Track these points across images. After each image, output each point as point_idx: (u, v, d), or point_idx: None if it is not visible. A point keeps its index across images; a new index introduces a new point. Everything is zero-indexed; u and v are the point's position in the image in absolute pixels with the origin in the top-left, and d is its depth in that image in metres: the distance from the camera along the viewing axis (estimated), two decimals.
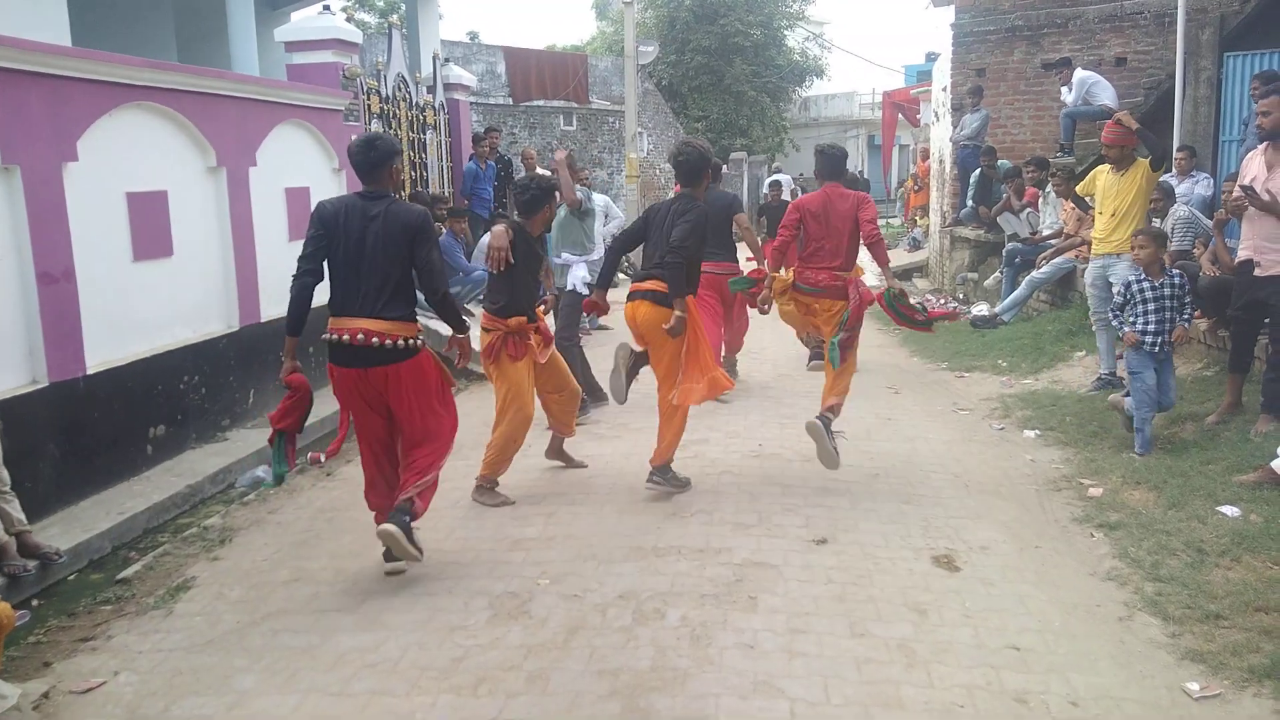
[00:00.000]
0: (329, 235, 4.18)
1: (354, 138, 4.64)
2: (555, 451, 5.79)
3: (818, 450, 5.28)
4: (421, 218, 4.22)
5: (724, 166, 9.79)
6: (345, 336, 4.12)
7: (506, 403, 5.19)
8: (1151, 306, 5.63)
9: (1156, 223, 7.48)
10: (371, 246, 4.13)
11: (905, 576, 4.15)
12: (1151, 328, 5.61)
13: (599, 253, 7.39)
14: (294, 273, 4.22)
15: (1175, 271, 5.78)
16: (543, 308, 5.56)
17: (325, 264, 4.22)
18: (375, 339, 4.09)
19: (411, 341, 4.16)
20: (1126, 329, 5.71)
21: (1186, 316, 5.69)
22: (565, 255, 7.42)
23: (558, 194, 5.82)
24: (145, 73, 5.93)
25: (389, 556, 4.24)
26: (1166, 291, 5.64)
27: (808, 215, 5.53)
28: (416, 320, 4.25)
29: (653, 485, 5.24)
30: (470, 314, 9.56)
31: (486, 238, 9.58)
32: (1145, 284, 5.67)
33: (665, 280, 5.01)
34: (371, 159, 4.22)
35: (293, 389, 4.31)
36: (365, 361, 4.12)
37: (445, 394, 4.38)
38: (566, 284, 7.28)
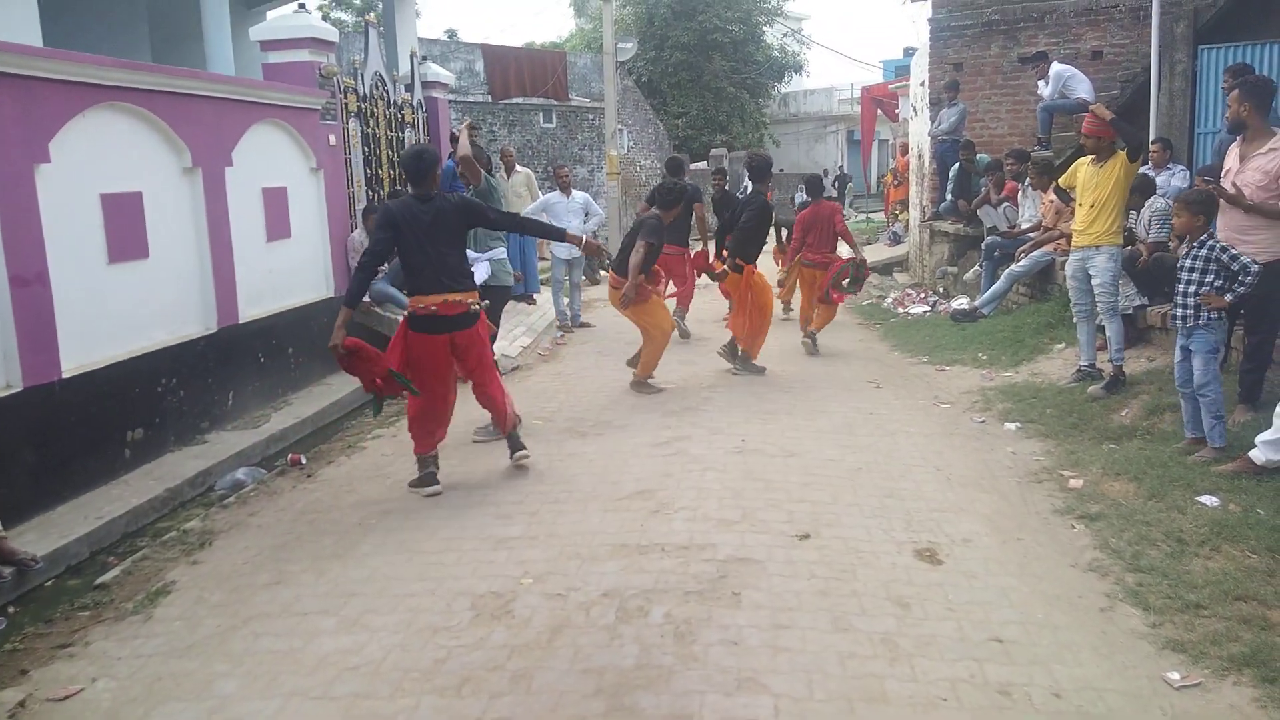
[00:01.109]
0: (398, 233, 5.15)
1: (406, 149, 6.14)
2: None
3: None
4: (465, 201, 5.48)
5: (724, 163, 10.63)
6: (435, 308, 5.19)
7: (652, 327, 7.43)
8: (1182, 277, 5.31)
9: (1134, 215, 7.54)
10: (436, 237, 5.18)
11: (888, 570, 4.16)
12: (1178, 300, 5.32)
13: (502, 251, 7.59)
14: (360, 261, 5.21)
15: (1206, 239, 5.24)
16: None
17: (383, 256, 5.30)
18: (463, 307, 5.24)
19: (479, 305, 5.38)
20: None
21: (1216, 285, 5.13)
22: (470, 252, 7.02)
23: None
24: (118, 73, 5.86)
25: (515, 446, 5.65)
26: (1187, 264, 5.28)
27: (808, 223, 9.16)
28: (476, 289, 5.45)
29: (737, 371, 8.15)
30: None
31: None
32: (1184, 257, 5.34)
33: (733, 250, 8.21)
34: (421, 167, 5.23)
35: (355, 349, 5.15)
36: (453, 326, 5.26)
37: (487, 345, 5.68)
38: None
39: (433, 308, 5.18)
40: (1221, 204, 5.43)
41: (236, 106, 7.21)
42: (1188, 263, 5.27)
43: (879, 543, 4.46)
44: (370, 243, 5.28)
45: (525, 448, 5.69)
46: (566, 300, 10.95)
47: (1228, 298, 5.12)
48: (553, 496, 5.25)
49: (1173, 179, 8.23)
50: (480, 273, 7.14)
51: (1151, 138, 8.97)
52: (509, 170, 12.11)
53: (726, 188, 11.68)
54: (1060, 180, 7.46)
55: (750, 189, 9.18)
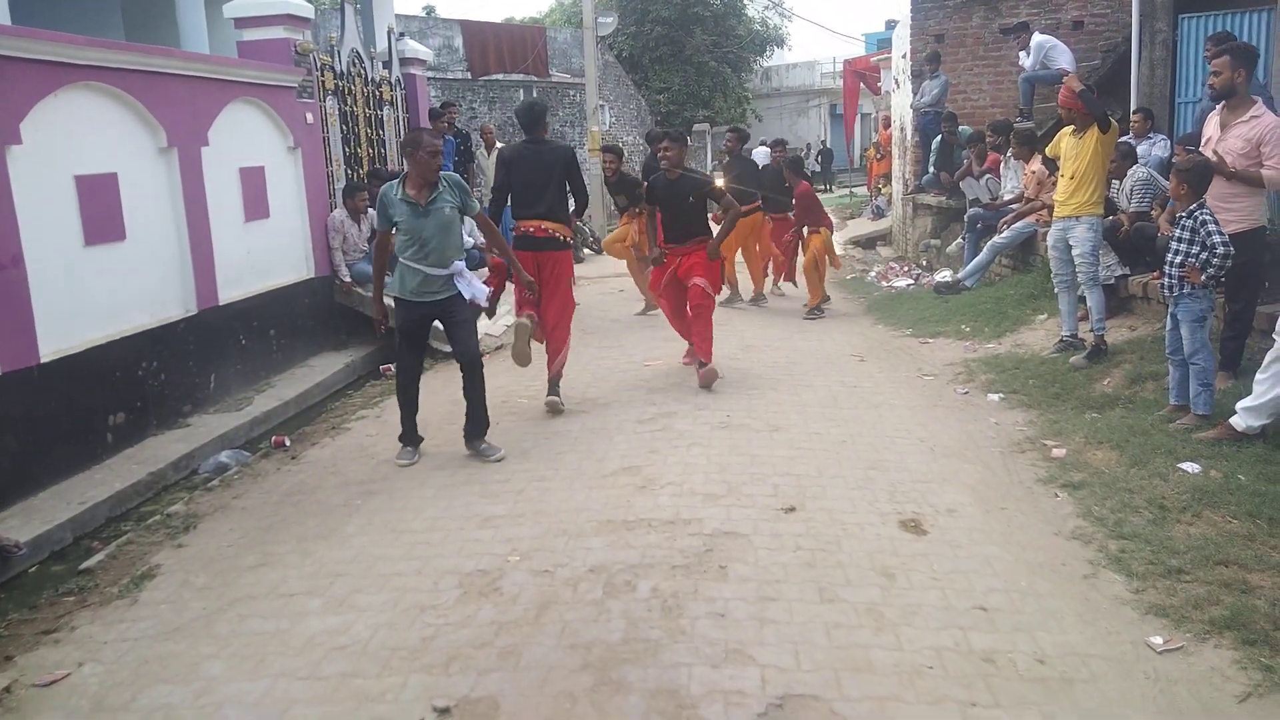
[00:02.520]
0: (510, 170, 6.29)
1: (520, 102, 7.31)
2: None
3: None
4: (568, 152, 6.39)
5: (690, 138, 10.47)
6: (530, 229, 6.23)
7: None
8: (1171, 245, 5.28)
9: (1115, 185, 7.56)
10: (541, 174, 6.23)
11: (873, 541, 4.18)
12: (1166, 269, 5.31)
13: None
14: (491, 196, 6.52)
15: (1195, 209, 5.16)
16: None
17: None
18: (546, 232, 6.22)
19: (566, 238, 6.35)
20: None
21: (1201, 257, 5.07)
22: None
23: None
24: (90, 52, 5.77)
25: (552, 390, 6.49)
26: (1176, 233, 5.26)
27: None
28: (569, 225, 6.43)
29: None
30: None
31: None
32: (1176, 225, 5.30)
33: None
34: (532, 117, 6.32)
35: (495, 269, 6.70)
36: (538, 247, 6.23)
37: (570, 290, 6.55)
38: None
39: (527, 229, 6.23)
40: None
41: (212, 85, 7.12)
42: (1177, 232, 5.27)
43: (864, 514, 4.48)
44: (494, 180, 6.49)
45: (559, 397, 6.46)
46: None
47: (1205, 274, 5.09)
48: (539, 474, 5.24)
49: (1154, 148, 8.24)
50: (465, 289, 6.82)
51: (1133, 107, 8.98)
52: (489, 148, 12.02)
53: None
54: (1047, 150, 7.47)
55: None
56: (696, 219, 7.03)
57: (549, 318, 6.36)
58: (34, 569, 4.56)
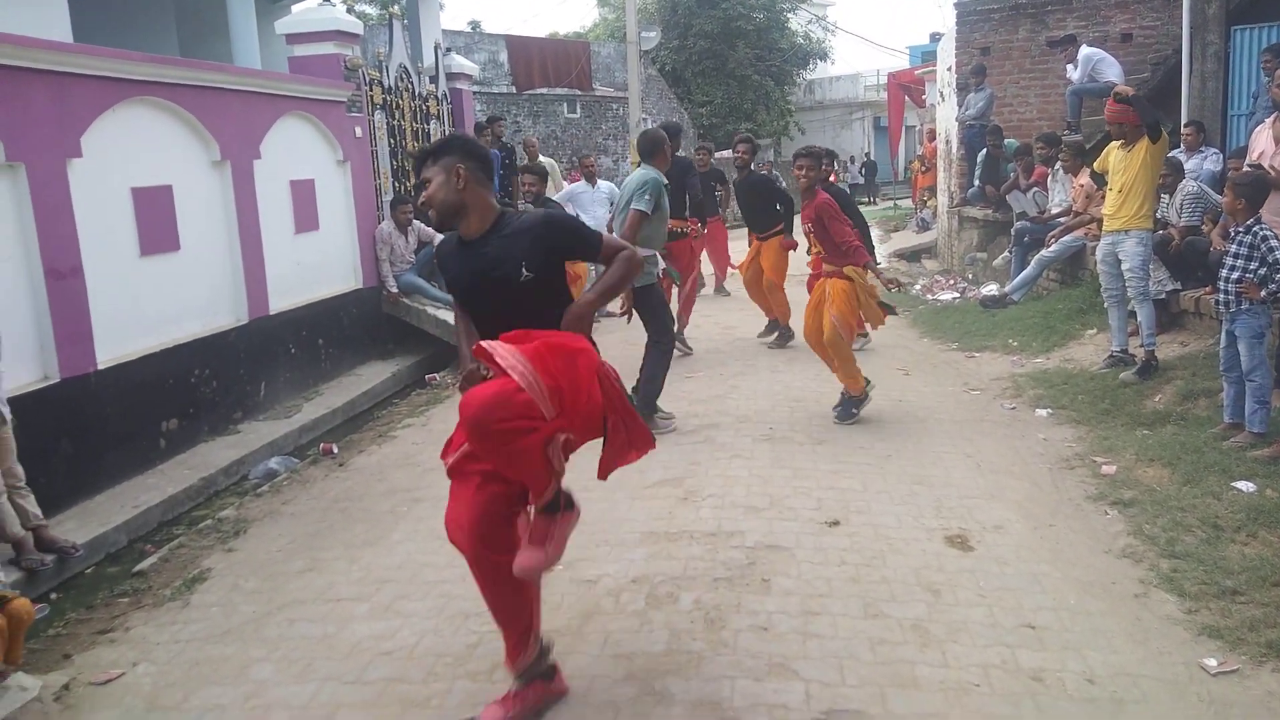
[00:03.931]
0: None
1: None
2: None
3: None
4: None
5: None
6: (682, 229, 8.00)
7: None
8: (1226, 261, 5.22)
9: (1165, 199, 7.44)
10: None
11: (919, 557, 4.14)
12: (1220, 284, 5.23)
13: None
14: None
15: (1253, 224, 5.10)
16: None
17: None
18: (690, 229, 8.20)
19: (694, 231, 8.40)
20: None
21: (1260, 272, 4.99)
22: None
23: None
24: (147, 67, 5.92)
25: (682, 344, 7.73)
26: (1232, 249, 5.19)
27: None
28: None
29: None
30: None
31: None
32: (1230, 241, 5.23)
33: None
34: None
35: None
36: (673, 238, 7.53)
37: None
38: None
39: (681, 229, 8.07)
40: None
41: (263, 100, 7.27)
42: (1233, 247, 5.18)
43: (909, 529, 4.44)
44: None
45: (690, 350, 8.44)
46: None
47: (1264, 291, 5.00)
48: (581, 484, 5.22)
49: (1205, 162, 8.10)
50: None
51: (1183, 121, 8.83)
52: (532, 161, 12.11)
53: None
54: (1095, 165, 7.38)
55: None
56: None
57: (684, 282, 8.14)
58: (90, 570, 4.67)
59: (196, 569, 4.47)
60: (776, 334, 8.92)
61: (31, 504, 4.43)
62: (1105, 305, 7.08)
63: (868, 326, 6.93)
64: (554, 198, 10.86)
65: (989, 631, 3.49)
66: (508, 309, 2.98)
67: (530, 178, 8.31)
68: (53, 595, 4.37)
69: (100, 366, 5.44)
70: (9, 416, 4.31)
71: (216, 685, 3.40)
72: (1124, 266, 6.61)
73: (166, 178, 6.16)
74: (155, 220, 6.02)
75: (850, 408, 6.21)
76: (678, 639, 3.51)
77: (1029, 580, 3.89)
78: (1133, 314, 6.84)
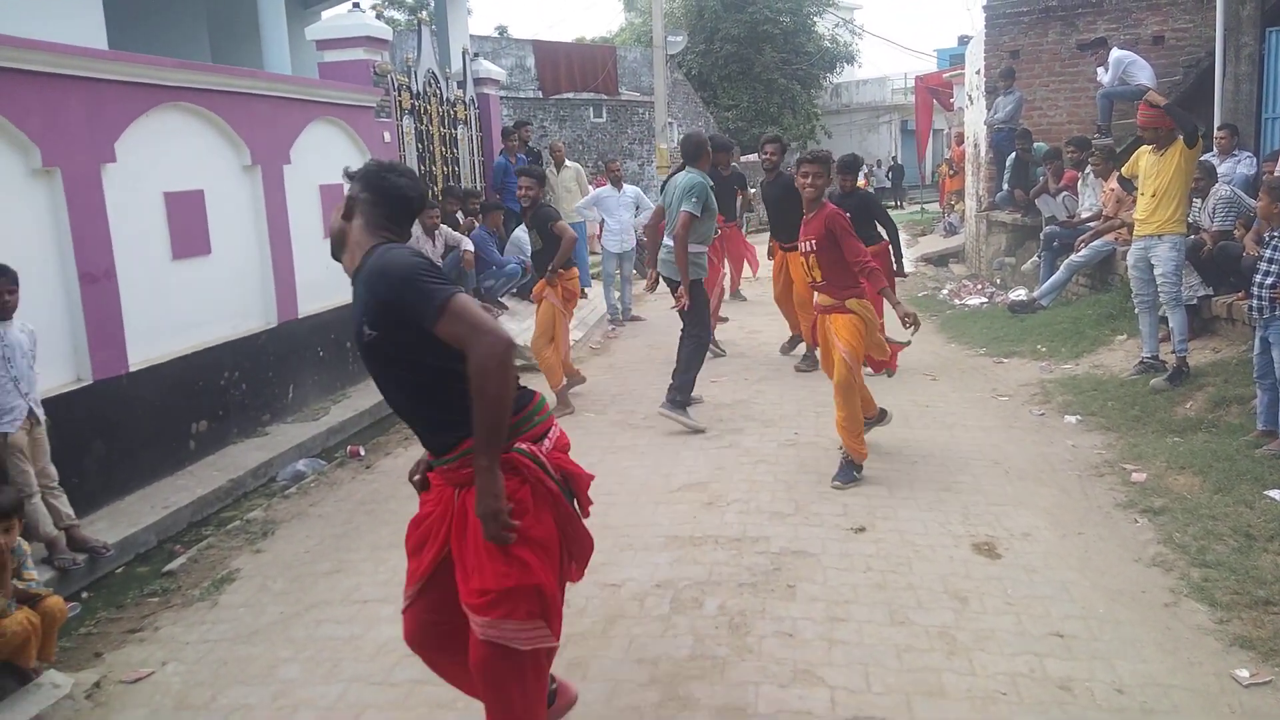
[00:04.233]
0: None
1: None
2: None
3: None
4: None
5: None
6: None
7: None
8: (1260, 267, 5.16)
9: (1197, 203, 7.35)
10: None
11: (945, 564, 4.11)
12: (1254, 290, 5.16)
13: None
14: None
15: None
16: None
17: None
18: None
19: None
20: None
21: None
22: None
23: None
24: (179, 74, 6.00)
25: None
26: (1266, 254, 5.15)
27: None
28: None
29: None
30: (504, 307, 9.64)
31: (520, 232, 9.71)
32: (1265, 245, 5.15)
33: None
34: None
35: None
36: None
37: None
38: None
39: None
40: None
41: (294, 105, 7.34)
42: (1267, 252, 5.10)
43: (936, 536, 4.41)
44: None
45: (722, 351, 8.58)
46: (618, 294, 10.97)
47: None
48: (606, 488, 5.26)
49: (1238, 166, 8.00)
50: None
51: (1217, 124, 8.72)
52: (558, 165, 12.15)
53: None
54: (1123, 169, 7.30)
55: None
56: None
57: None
58: (120, 570, 4.72)
59: (225, 569, 4.52)
60: (805, 355, 8.17)
61: (64, 504, 4.49)
62: (1136, 311, 7.00)
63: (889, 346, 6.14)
64: (580, 202, 10.91)
65: (1017, 640, 3.46)
66: (382, 378, 2.59)
67: (527, 181, 7.29)
68: (84, 594, 4.43)
69: (132, 369, 5.51)
70: (43, 417, 4.38)
71: (244, 685, 3.44)
72: (1157, 271, 6.53)
73: (198, 182, 6.23)
74: (187, 224, 6.09)
75: (851, 471, 5.20)
76: (702, 644, 3.51)
77: (1057, 588, 3.85)
78: (1164, 320, 6.75)
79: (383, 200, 2.58)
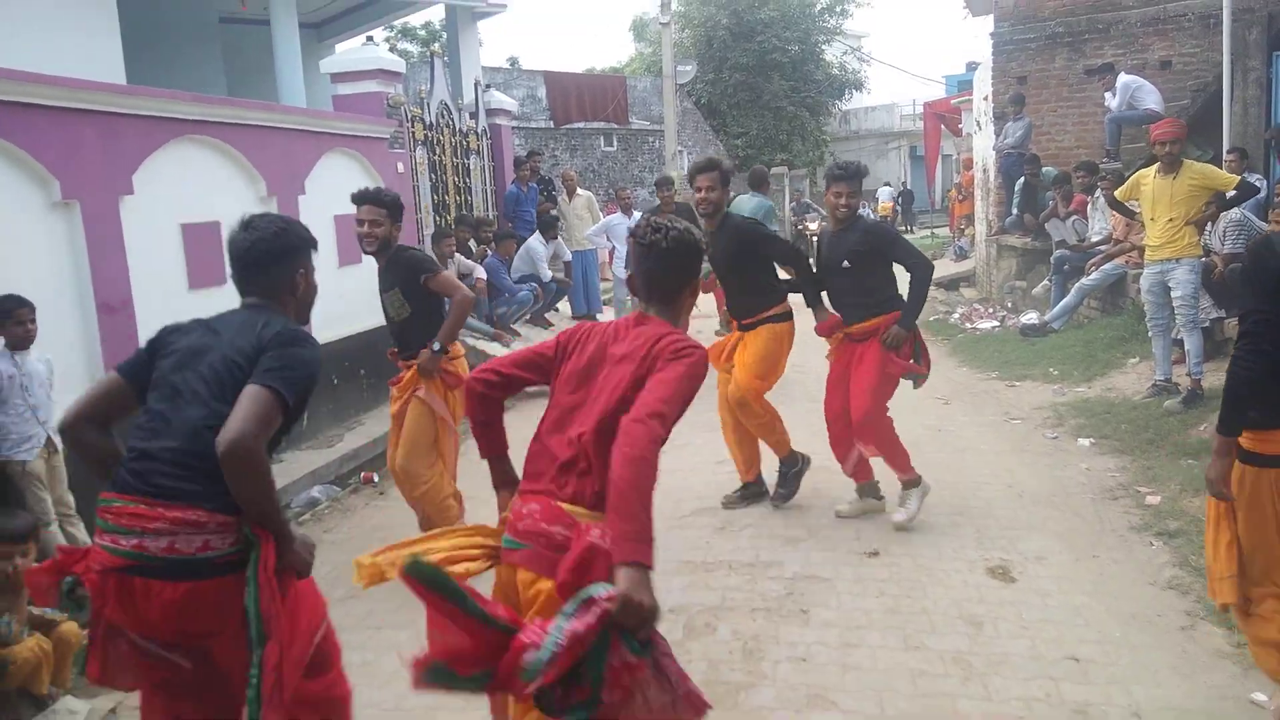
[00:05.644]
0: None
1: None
2: None
3: None
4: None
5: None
6: None
7: None
8: None
9: (1207, 226, 7.35)
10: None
11: (959, 588, 4.10)
12: None
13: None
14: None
15: None
16: None
17: None
18: None
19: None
20: None
21: None
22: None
23: None
24: (196, 107, 6.09)
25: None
26: None
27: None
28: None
29: None
30: (517, 334, 9.69)
31: (534, 241, 9.82)
32: None
33: None
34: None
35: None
36: None
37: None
38: None
39: None
40: None
41: (308, 137, 7.44)
42: None
43: (949, 560, 4.40)
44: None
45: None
46: None
47: None
48: None
49: None
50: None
51: (1225, 148, 8.75)
52: (570, 194, 12.25)
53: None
54: (1117, 193, 7.31)
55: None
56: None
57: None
58: None
59: None
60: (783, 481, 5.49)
61: (81, 531, 4.51)
62: (1150, 335, 6.99)
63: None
64: (591, 229, 10.98)
65: (1032, 664, 3.45)
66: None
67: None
68: None
69: None
70: (60, 445, 4.42)
71: None
72: (1175, 294, 6.53)
73: (215, 214, 6.30)
74: (204, 255, 6.16)
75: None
76: (716, 669, 3.50)
77: (1072, 612, 3.84)
78: (1177, 343, 6.74)
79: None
